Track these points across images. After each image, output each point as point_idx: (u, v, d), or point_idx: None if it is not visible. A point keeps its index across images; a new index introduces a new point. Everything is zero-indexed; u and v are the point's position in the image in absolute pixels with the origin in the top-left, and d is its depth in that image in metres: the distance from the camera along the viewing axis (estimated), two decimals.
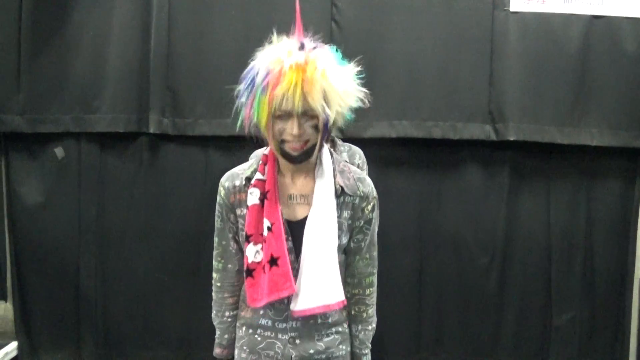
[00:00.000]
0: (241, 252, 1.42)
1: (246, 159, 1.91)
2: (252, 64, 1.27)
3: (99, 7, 2.77)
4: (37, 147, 2.89)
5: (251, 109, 1.26)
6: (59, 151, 2.89)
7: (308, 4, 2.70)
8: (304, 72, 1.19)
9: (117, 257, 2.91)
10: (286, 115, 1.23)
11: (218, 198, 1.41)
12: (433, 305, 2.91)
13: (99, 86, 2.79)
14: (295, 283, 1.31)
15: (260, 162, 1.36)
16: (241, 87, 1.28)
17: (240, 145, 2.72)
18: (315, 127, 1.25)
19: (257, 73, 1.23)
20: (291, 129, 1.23)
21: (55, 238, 2.90)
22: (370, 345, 1.51)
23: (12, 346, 2.89)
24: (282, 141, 1.27)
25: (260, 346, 1.41)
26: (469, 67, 2.76)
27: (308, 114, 1.23)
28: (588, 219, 2.87)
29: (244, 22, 2.74)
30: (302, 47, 1.24)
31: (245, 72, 1.28)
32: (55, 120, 2.83)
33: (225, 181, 1.39)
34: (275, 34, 1.27)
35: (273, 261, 1.30)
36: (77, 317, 2.93)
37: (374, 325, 1.51)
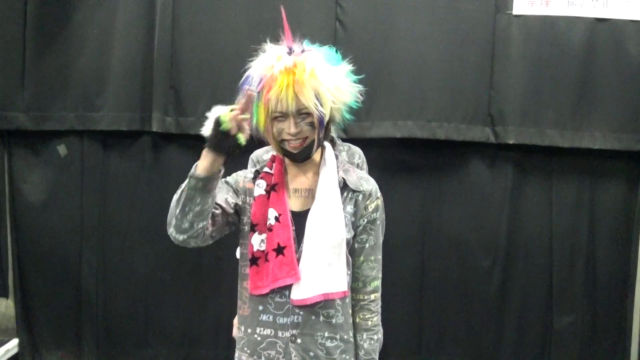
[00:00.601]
0: (222, 210, 1.38)
1: (247, 158, 1.92)
2: (246, 73, 1.36)
3: (103, 6, 2.78)
4: (40, 144, 2.90)
5: (250, 115, 1.33)
6: (61, 149, 2.89)
7: (312, 4, 2.71)
8: (293, 74, 1.28)
9: (119, 255, 2.92)
10: (282, 116, 1.32)
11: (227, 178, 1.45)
12: (434, 307, 2.90)
13: (103, 84, 2.80)
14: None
15: (269, 160, 1.45)
16: (239, 96, 1.35)
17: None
18: (311, 125, 1.33)
19: (252, 81, 1.33)
20: (288, 128, 1.32)
21: (57, 235, 2.91)
22: (377, 357, 1.49)
23: (13, 343, 2.90)
24: (282, 141, 1.35)
25: (261, 346, 1.40)
26: (471, 70, 2.76)
27: (302, 112, 1.31)
28: (590, 222, 2.86)
29: (247, 21, 2.75)
30: (290, 51, 1.33)
31: (241, 81, 1.36)
32: (59, 118, 2.84)
33: (240, 172, 1.48)
34: (268, 43, 1.37)
35: (279, 250, 1.34)
36: (78, 315, 2.93)
37: (380, 336, 1.49)
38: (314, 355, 1.39)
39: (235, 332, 1.92)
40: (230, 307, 2.01)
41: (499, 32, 2.75)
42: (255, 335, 1.41)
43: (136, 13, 2.77)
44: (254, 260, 1.37)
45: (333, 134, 1.87)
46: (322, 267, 1.35)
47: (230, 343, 1.96)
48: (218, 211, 1.37)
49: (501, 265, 2.87)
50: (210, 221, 1.34)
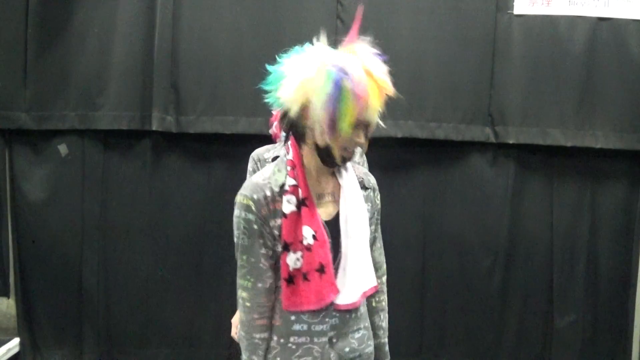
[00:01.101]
0: (272, 269, 1.33)
1: (247, 156, 1.91)
2: (338, 64, 1.21)
3: (103, 5, 2.79)
4: (41, 143, 2.90)
5: (334, 116, 1.21)
6: (62, 148, 2.89)
7: (313, 2, 2.71)
8: (379, 86, 1.25)
9: (120, 254, 2.92)
10: (357, 125, 1.25)
11: (242, 213, 1.30)
12: (435, 306, 2.90)
13: (103, 83, 2.80)
14: (337, 282, 1.34)
15: (288, 167, 1.33)
16: (315, 85, 1.21)
17: (242, 142, 2.74)
18: (366, 135, 1.31)
19: (351, 78, 1.20)
20: (358, 137, 1.27)
21: (58, 235, 2.91)
22: None
23: (14, 342, 2.90)
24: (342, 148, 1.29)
25: (297, 354, 1.36)
26: (471, 70, 2.77)
27: (367, 123, 1.28)
28: (591, 222, 2.86)
29: (247, 19, 2.75)
30: (374, 56, 1.27)
31: (337, 73, 1.19)
32: (60, 117, 2.84)
33: (252, 194, 1.30)
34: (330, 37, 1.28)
35: (322, 269, 1.30)
36: (79, 314, 2.93)
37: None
38: (349, 350, 1.40)
39: (234, 332, 1.92)
40: (231, 307, 2.01)
41: (500, 31, 2.75)
42: (290, 344, 1.36)
43: (136, 12, 2.77)
44: (290, 279, 1.31)
45: None
46: (360, 270, 1.36)
47: (231, 343, 1.95)
48: (270, 273, 1.32)
49: (502, 264, 2.87)
50: (270, 278, 1.33)
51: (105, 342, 2.93)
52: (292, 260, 1.29)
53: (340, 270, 1.34)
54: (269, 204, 1.30)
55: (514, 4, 2.74)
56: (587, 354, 2.89)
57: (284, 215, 1.29)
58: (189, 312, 2.92)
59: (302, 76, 1.23)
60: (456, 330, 2.90)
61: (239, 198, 1.31)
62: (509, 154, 2.85)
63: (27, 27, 2.80)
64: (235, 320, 1.93)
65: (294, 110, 1.25)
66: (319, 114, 1.21)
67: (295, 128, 1.29)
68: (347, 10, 2.73)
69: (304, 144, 1.32)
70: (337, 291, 1.32)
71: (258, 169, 1.81)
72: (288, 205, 1.29)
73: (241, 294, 1.34)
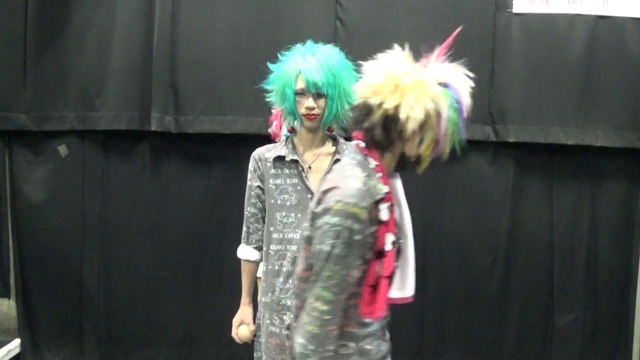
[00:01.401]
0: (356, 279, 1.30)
1: (246, 156, 1.90)
2: (457, 90, 1.36)
3: (102, 6, 2.79)
4: (41, 144, 2.90)
5: (449, 139, 1.35)
6: (62, 149, 2.90)
7: (313, 2, 2.71)
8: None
9: (120, 254, 2.92)
10: None
11: (347, 222, 1.22)
12: (436, 305, 2.90)
13: (102, 84, 2.80)
14: (400, 278, 1.39)
15: (378, 173, 1.33)
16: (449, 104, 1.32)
17: (241, 142, 2.74)
18: None
19: (462, 108, 1.33)
20: None
21: (59, 235, 2.91)
22: None
23: (15, 343, 2.90)
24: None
25: (372, 353, 1.37)
26: (471, 68, 2.74)
27: None
28: (591, 220, 2.86)
29: (246, 20, 2.75)
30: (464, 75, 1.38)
31: (457, 101, 1.35)
32: (60, 118, 2.84)
33: (360, 202, 1.24)
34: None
35: (391, 276, 1.32)
36: (79, 315, 2.94)
37: None
38: (388, 334, 1.47)
39: (234, 332, 1.91)
40: (231, 306, 2.01)
41: (499, 30, 2.75)
42: (366, 346, 1.36)
43: (135, 13, 2.77)
44: (375, 286, 1.30)
45: (336, 132, 1.87)
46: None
47: (232, 342, 1.95)
48: (352, 286, 1.28)
49: (502, 263, 2.87)
50: (352, 288, 1.30)
51: (106, 342, 2.94)
52: (379, 266, 1.29)
53: (400, 269, 1.38)
54: (371, 211, 1.26)
55: (513, 2, 2.74)
56: (588, 352, 2.89)
57: (381, 222, 1.28)
58: (189, 312, 2.92)
59: (425, 94, 1.31)
60: (456, 330, 2.90)
61: (340, 205, 1.23)
62: (509, 153, 2.85)
63: (26, 27, 2.80)
64: (236, 320, 1.92)
65: (411, 127, 1.27)
66: (440, 135, 1.31)
67: (389, 136, 1.30)
68: (347, 11, 2.73)
69: (387, 150, 1.33)
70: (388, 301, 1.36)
71: (259, 169, 1.80)
72: (385, 212, 1.28)
73: (320, 306, 1.24)
